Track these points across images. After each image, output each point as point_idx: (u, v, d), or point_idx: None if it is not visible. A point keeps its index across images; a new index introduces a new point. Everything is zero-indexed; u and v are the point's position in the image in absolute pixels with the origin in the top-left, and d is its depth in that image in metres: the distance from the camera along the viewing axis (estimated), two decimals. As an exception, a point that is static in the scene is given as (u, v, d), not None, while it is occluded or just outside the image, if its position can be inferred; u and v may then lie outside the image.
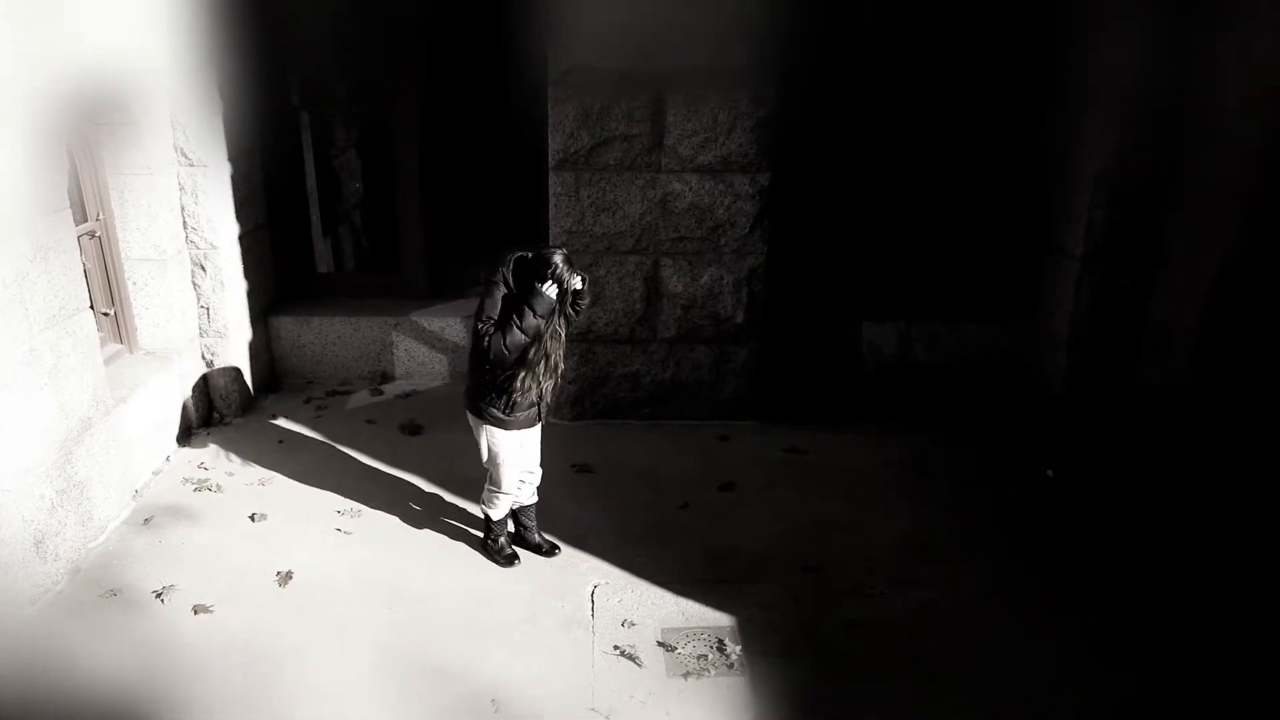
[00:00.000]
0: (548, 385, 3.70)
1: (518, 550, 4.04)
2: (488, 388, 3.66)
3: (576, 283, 3.55)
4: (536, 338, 3.52)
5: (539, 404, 3.75)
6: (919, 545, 4.17)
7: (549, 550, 4.07)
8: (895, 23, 5.13)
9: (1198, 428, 4.82)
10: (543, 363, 3.61)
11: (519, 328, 3.48)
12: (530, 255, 3.57)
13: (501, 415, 3.69)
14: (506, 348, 3.50)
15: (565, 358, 3.80)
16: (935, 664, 3.46)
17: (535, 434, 3.88)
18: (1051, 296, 5.38)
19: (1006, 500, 4.54)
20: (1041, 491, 4.64)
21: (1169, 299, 4.95)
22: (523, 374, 3.58)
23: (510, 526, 4.09)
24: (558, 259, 3.50)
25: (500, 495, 3.92)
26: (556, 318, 3.58)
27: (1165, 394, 4.97)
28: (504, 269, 3.58)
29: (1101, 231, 5.01)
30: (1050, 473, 4.80)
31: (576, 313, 3.68)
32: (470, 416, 3.80)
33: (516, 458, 3.83)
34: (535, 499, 4.05)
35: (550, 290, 3.49)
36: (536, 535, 4.08)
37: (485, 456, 3.83)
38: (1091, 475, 4.72)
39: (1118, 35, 4.60)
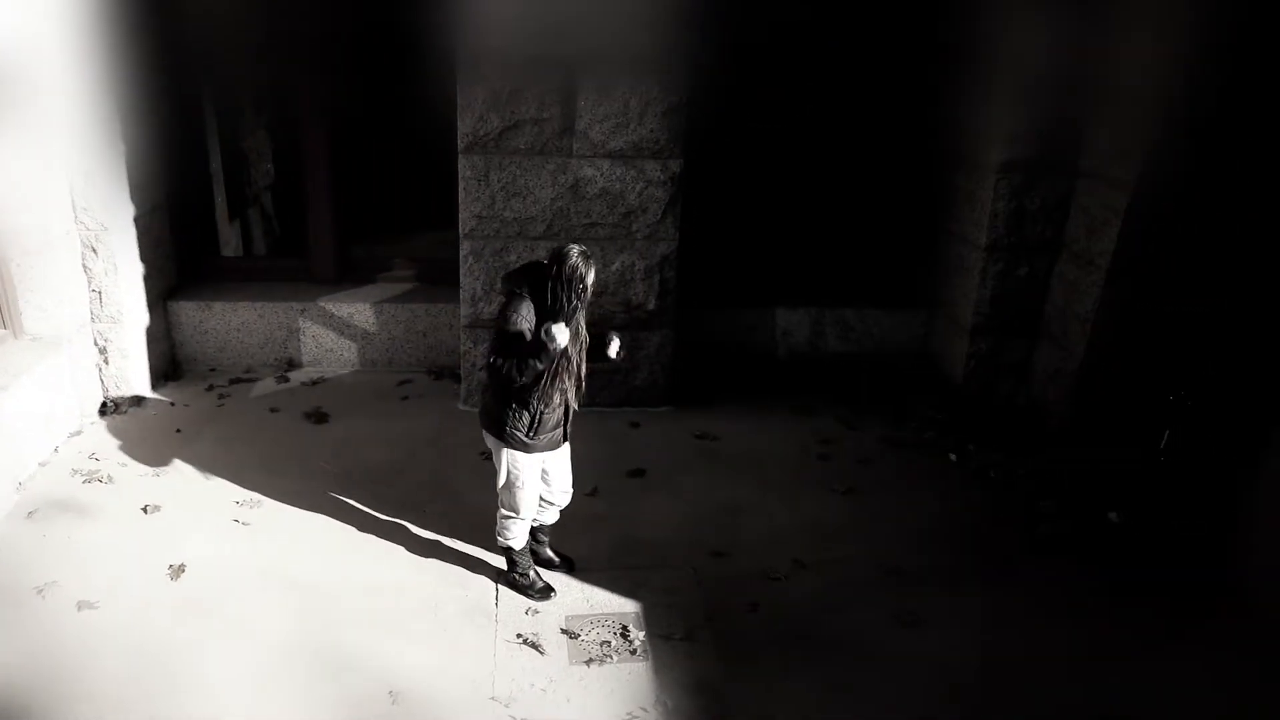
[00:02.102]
0: (571, 396, 3.45)
1: (550, 582, 3.78)
2: (509, 405, 3.38)
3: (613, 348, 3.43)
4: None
5: (564, 424, 3.50)
6: (823, 529, 4.23)
7: (564, 565, 3.88)
8: (808, 11, 5.17)
9: (1090, 413, 5.00)
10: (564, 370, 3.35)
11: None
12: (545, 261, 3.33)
13: (525, 439, 3.40)
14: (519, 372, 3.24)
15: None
16: (837, 646, 3.52)
17: (560, 455, 3.63)
18: (957, 285, 5.51)
19: (909, 485, 4.64)
20: (943, 477, 4.76)
21: (1067, 288, 5.11)
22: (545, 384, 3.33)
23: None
24: (574, 256, 3.23)
25: (517, 522, 3.61)
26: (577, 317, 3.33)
27: (1062, 380, 5.14)
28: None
29: (1004, 221, 5.13)
30: (953, 457, 4.92)
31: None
32: (488, 437, 3.52)
33: (536, 481, 3.57)
34: (557, 519, 3.83)
35: (558, 334, 3.20)
36: (548, 550, 3.89)
37: (501, 481, 3.55)
38: (1019, 463, 4.86)
39: (1021, 25, 4.69)
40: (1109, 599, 3.84)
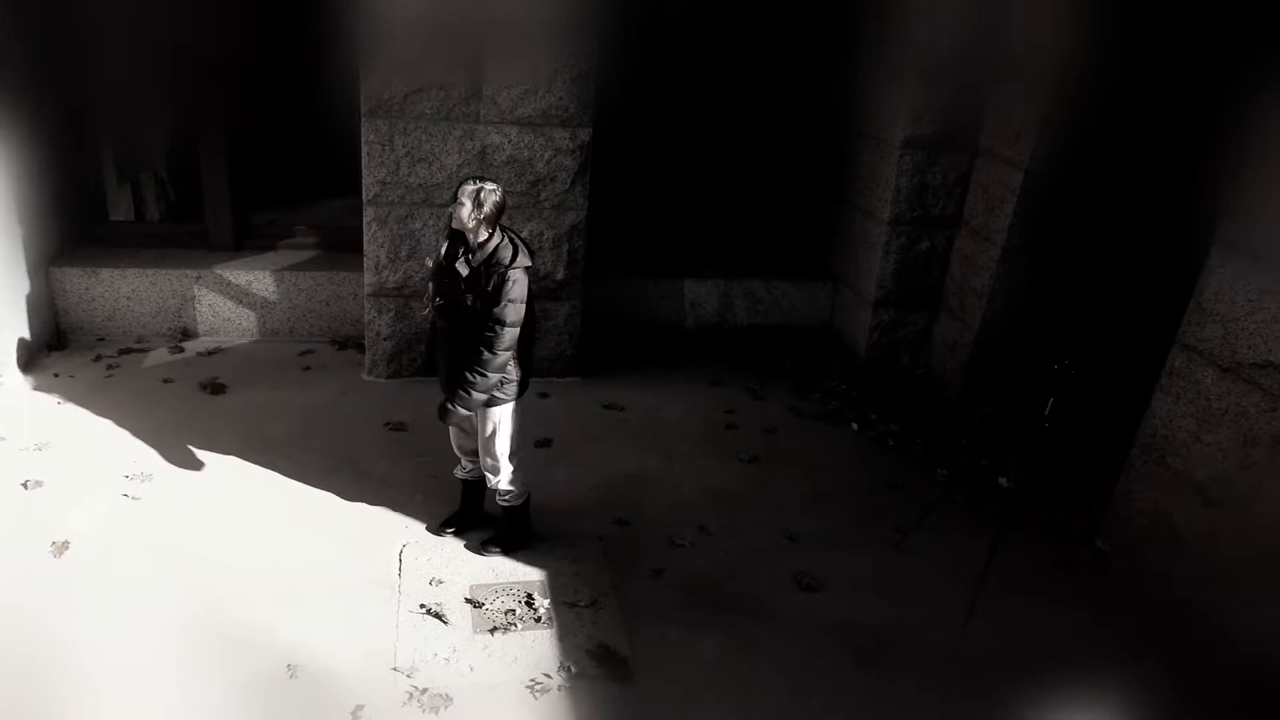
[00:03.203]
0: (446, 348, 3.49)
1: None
2: None
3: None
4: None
5: (443, 378, 3.52)
6: (728, 497, 4.30)
7: (480, 547, 3.80)
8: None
9: (984, 383, 5.19)
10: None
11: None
12: None
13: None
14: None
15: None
16: (739, 609, 3.60)
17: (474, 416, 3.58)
18: (862, 258, 5.63)
19: (812, 454, 4.75)
20: (845, 446, 4.88)
21: (965, 263, 5.27)
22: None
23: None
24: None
25: None
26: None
27: (959, 352, 5.32)
28: None
29: (907, 196, 5.26)
30: (855, 427, 5.05)
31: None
32: None
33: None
34: (495, 485, 3.70)
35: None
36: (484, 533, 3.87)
37: None
38: (917, 431, 5.00)
39: (923, 2, 4.79)
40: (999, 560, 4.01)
